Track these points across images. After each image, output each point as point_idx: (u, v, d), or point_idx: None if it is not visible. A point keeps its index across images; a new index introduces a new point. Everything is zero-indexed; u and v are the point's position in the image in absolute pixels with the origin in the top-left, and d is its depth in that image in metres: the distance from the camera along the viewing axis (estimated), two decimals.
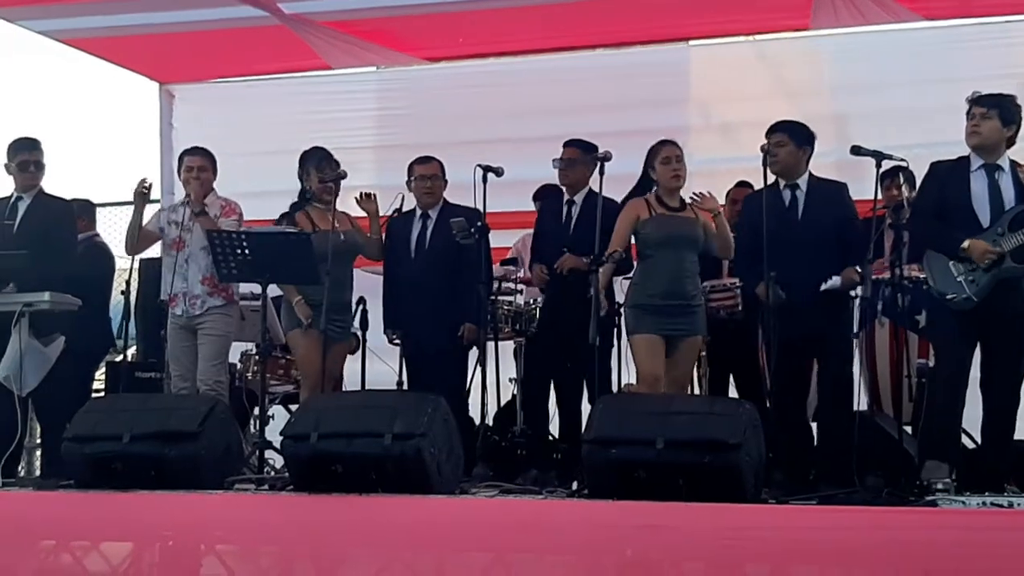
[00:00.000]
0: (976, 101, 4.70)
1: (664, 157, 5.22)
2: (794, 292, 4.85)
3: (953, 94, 4.89)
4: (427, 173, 5.73)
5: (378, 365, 6.03)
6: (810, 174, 5.17)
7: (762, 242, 4.88)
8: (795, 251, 4.94)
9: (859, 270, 4.91)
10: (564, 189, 5.73)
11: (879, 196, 4.98)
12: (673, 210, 5.22)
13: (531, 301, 5.88)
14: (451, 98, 7.52)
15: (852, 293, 5.09)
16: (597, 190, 5.25)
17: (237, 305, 5.71)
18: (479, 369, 5.43)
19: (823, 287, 4.95)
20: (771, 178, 5.08)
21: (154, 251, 6.06)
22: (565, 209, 5.68)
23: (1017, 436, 4.80)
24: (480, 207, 5.40)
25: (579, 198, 5.64)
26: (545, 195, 6.02)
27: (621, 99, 7.09)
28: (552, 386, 5.65)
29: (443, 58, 7.78)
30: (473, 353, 5.59)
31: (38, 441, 6.13)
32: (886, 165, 4.86)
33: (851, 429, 4.61)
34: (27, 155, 5.69)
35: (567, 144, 5.71)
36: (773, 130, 5.15)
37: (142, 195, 5.56)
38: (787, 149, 5.09)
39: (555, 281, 5.53)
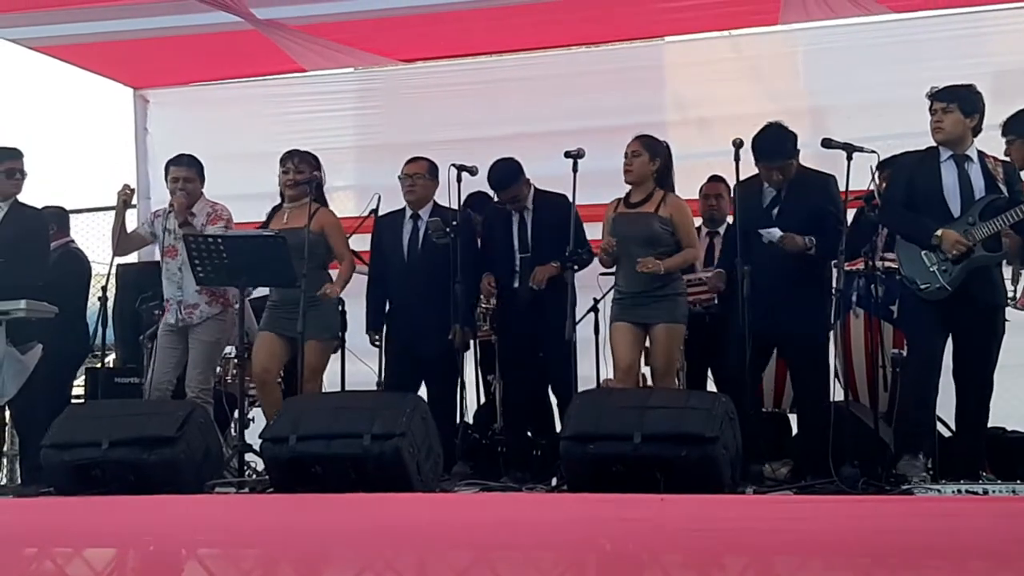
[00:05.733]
0: (935, 96, 4.71)
1: (625, 152, 5.22)
2: (761, 285, 4.84)
3: (925, 86, 4.91)
4: (409, 172, 5.69)
5: (358, 366, 6.03)
6: (800, 166, 5.15)
7: (748, 236, 4.92)
8: (770, 245, 4.97)
9: (811, 240, 4.92)
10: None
11: (871, 187, 4.99)
12: (634, 206, 5.21)
13: None
14: (429, 98, 7.52)
15: (834, 288, 4.97)
16: (558, 190, 5.23)
17: (233, 310, 5.62)
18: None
19: (762, 233, 4.93)
20: (744, 172, 5.10)
21: (131, 256, 6.04)
22: (516, 216, 5.60)
23: (991, 424, 4.85)
24: (456, 206, 5.41)
25: (530, 203, 5.59)
26: (476, 204, 5.84)
27: (597, 96, 7.11)
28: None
29: (418, 59, 7.79)
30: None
31: (17, 449, 6.10)
32: (871, 158, 4.86)
33: (827, 420, 4.62)
34: (13, 163, 5.67)
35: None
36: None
37: (124, 202, 5.55)
38: None
39: (505, 291, 5.55)
